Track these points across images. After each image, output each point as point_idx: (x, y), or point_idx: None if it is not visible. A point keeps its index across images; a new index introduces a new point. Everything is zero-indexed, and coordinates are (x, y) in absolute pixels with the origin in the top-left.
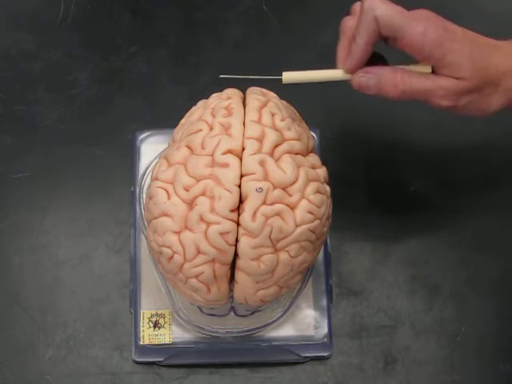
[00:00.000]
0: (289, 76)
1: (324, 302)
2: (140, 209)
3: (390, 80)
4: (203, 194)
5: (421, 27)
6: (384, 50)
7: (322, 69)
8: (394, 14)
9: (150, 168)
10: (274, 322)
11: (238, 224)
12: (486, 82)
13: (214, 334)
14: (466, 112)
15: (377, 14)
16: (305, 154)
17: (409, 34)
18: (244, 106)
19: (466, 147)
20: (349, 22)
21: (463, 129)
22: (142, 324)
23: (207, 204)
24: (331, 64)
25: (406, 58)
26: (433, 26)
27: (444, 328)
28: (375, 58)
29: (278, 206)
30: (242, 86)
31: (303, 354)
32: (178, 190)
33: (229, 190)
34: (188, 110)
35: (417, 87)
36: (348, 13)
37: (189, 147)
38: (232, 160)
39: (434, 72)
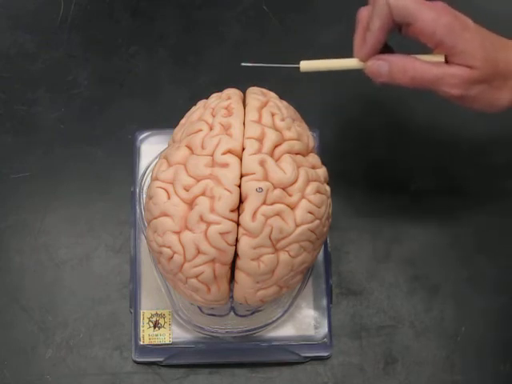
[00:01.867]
0: (306, 65)
1: (324, 301)
2: (140, 209)
3: (400, 66)
4: (203, 194)
5: (433, 13)
6: (400, 44)
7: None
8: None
9: (150, 168)
10: (274, 321)
11: (238, 224)
12: (496, 74)
13: (213, 334)
14: (475, 104)
15: (389, 0)
16: (305, 153)
17: (421, 19)
18: (244, 106)
19: (467, 147)
20: (364, 12)
21: (464, 129)
22: (142, 324)
23: (207, 204)
24: None
25: (423, 49)
26: (444, 13)
27: (444, 328)
28: (388, 51)
29: (277, 206)
30: (243, 86)
31: (303, 354)
32: (178, 190)
33: (229, 190)
34: (188, 110)
35: (427, 74)
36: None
37: (189, 147)
38: (232, 160)
39: (446, 62)
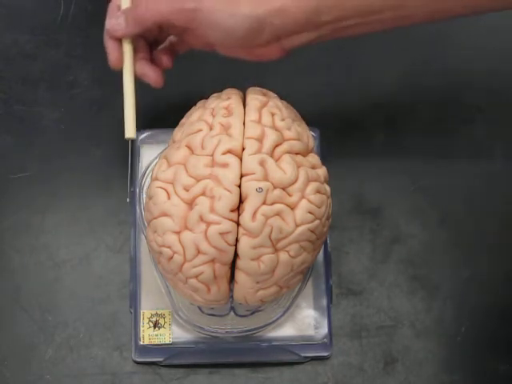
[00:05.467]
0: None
1: (324, 302)
2: (140, 209)
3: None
4: (203, 194)
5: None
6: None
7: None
8: None
9: (150, 168)
10: (273, 321)
11: (238, 224)
12: None
13: (213, 334)
14: (214, 29)
15: None
16: (305, 154)
17: None
18: (244, 106)
19: (467, 148)
20: None
21: (465, 128)
22: (142, 324)
23: (207, 204)
24: (331, 61)
25: None
26: None
27: (444, 328)
28: None
29: (277, 206)
30: (243, 86)
31: (303, 354)
32: (178, 190)
33: (229, 190)
34: (188, 110)
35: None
36: None
37: (189, 147)
38: (232, 160)
39: None
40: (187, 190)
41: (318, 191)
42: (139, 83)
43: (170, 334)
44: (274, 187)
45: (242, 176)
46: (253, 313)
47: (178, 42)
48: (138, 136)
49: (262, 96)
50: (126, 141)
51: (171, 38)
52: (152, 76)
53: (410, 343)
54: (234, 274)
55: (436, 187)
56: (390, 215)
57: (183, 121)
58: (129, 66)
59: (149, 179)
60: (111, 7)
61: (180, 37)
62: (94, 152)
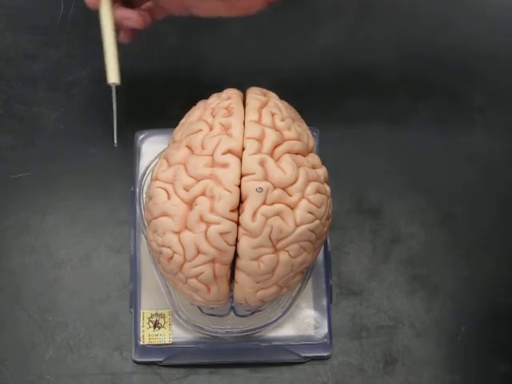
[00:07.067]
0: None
1: (324, 301)
2: (140, 209)
3: None
4: (203, 194)
5: None
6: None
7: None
8: None
9: (150, 168)
10: (273, 321)
11: (238, 224)
12: None
13: (213, 334)
14: None
15: None
16: (305, 153)
17: None
18: (244, 106)
19: (467, 148)
20: None
21: (464, 128)
22: (142, 324)
23: (207, 204)
24: (331, 61)
25: None
26: None
27: (444, 328)
28: None
29: (277, 206)
30: (243, 86)
31: (303, 354)
32: (178, 190)
33: (229, 190)
34: (188, 110)
35: None
36: None
37: (189, 147)
38: (232, 160)
39: None
40: (187, 190)
41: (318, 191)
42: (139, 84)
43: (170, 334)
44: (274, 187)
45: (241, 176)
46: (253, 313)
47: (155, 7)
48: (137, 136)
49: (262, 96)
50: (126, 141)
51: (148, 4)
52: (134, 17)
53: (410, 343)
54: (234, 274)
55: (436, 187)
56: (390, 215)
57: (183, 121)
58: (107, 5)
59: (149, 179)
60: None
61: (155, 1)
62: (93, 152)
